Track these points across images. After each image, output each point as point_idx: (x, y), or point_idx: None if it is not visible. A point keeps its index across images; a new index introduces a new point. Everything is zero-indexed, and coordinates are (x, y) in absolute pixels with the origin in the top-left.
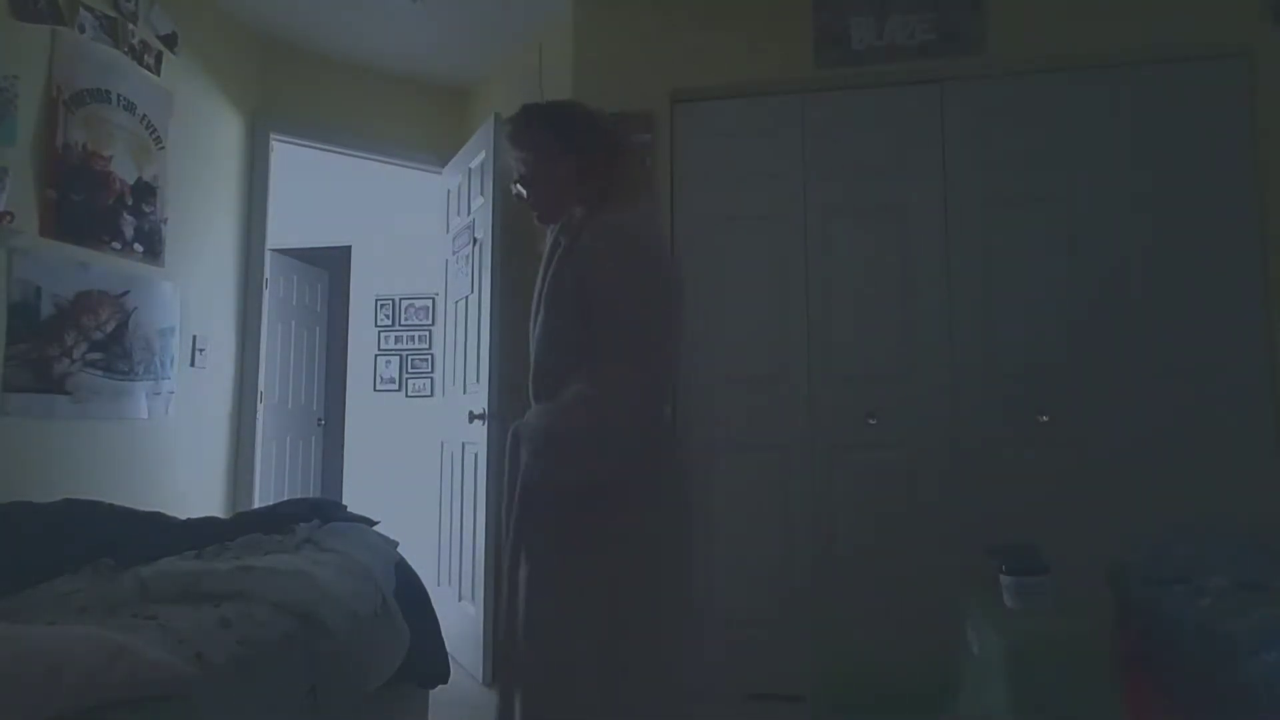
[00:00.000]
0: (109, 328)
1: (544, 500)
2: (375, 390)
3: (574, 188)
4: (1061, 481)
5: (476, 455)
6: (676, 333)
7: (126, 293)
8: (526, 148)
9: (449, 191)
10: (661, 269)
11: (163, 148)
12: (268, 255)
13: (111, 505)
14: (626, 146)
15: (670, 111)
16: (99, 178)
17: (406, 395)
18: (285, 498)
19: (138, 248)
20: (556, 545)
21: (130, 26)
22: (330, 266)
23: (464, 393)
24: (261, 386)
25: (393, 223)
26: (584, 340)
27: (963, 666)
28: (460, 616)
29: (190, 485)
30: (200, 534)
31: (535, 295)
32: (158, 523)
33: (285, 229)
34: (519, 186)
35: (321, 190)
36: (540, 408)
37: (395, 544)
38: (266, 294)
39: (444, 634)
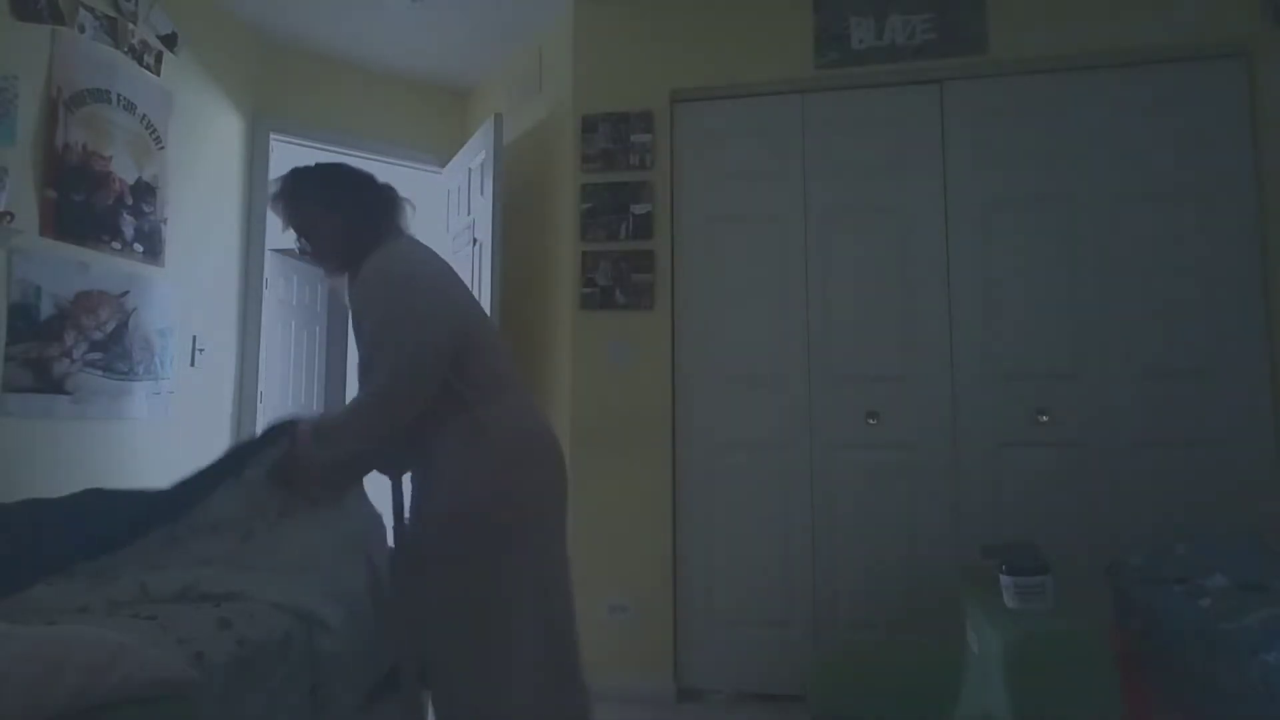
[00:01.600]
0: (109, 328)
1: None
2: None
3: (344, 241)
4: (1061, 481)
5: None
6: (441, 335)
7: (126, 293)
8: (296, 209)
9: (449, 191)
10: (416, 292)
11: (163, 148)
12: (268, 255)
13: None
14: (388, 196)
15: (670, 111)
16: (99, 178)
17: None
18: None
19: (138, 248)
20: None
21: (130, 26)
22: None
23: None
24: (261, 386)
25: None
26: (365, 364)
27: (963, 666)
28: None
29: None
30: (140, 518)
31: None
32: (92, 508)
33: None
34: (301, 241)
35: None
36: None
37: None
38: (266, 294)
39: None
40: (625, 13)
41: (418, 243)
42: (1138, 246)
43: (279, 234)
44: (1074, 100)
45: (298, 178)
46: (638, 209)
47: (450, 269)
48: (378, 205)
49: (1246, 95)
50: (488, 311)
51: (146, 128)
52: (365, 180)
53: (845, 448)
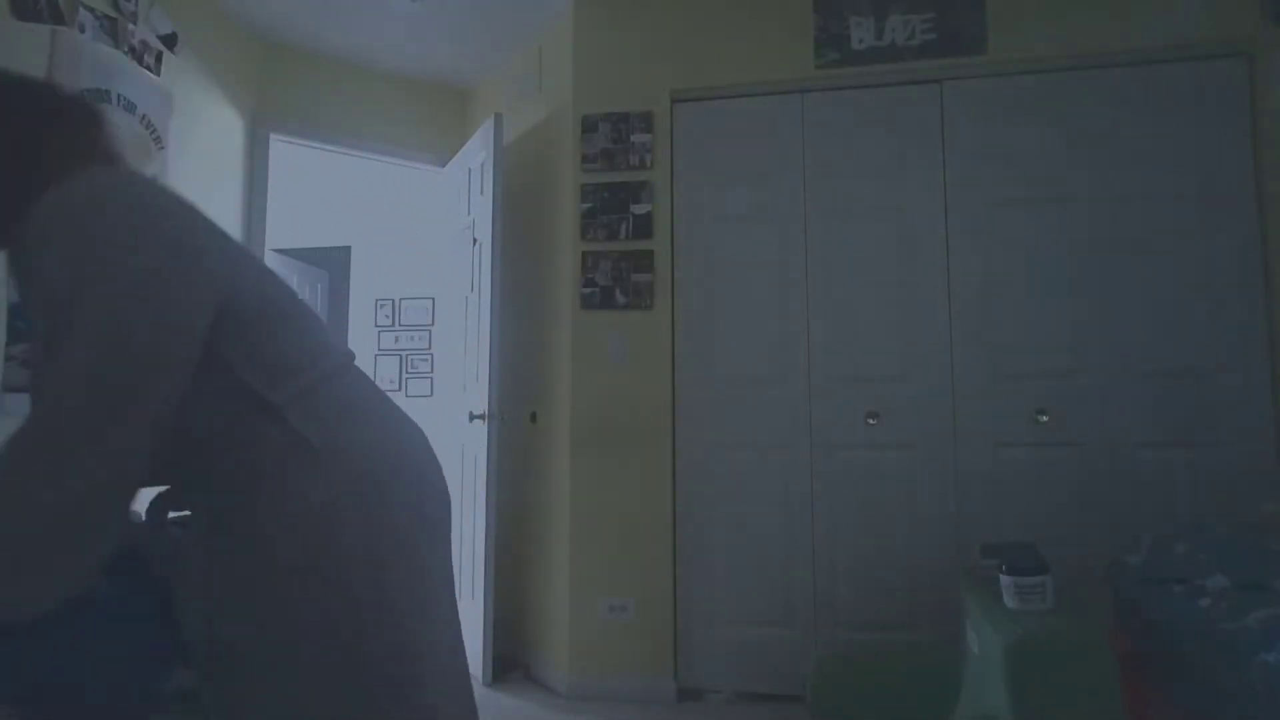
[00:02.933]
0: None
1: None
2: None
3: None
4: (1061, 481)
5: (476, 455)
6: (189, 308)
7: None
8: None
9: (449, 191)
10: (137, 232)
11: (163, 148)
12: (268, 255)
13: None
14: (76, 107)
15: (670, 111)
16: None
17: (406, 395)
18: None
19: None
20: None
21: (130, 26)
22: (330, 266)
23: (463, 392)
24: None
25: (393, 223)
26: (35, 373)
27: (963, 666)
28: (461, 617)
29: None
30: None
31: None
32: None
33: (285, 229)
34: None
35: (321, 190)
36: None
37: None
38: None
39: None
40: (625, 13)
41: (135, 173)
42: (1138, 246)
43: (279, 234)
44: (1074, 100)
45: None
46: (638, 209)
47: (196, 208)
48: (57, 118)
49: (1246, 95)
50: (484, 310)
51: (146, 128)
52: (32, 86)
53: (845, 448)
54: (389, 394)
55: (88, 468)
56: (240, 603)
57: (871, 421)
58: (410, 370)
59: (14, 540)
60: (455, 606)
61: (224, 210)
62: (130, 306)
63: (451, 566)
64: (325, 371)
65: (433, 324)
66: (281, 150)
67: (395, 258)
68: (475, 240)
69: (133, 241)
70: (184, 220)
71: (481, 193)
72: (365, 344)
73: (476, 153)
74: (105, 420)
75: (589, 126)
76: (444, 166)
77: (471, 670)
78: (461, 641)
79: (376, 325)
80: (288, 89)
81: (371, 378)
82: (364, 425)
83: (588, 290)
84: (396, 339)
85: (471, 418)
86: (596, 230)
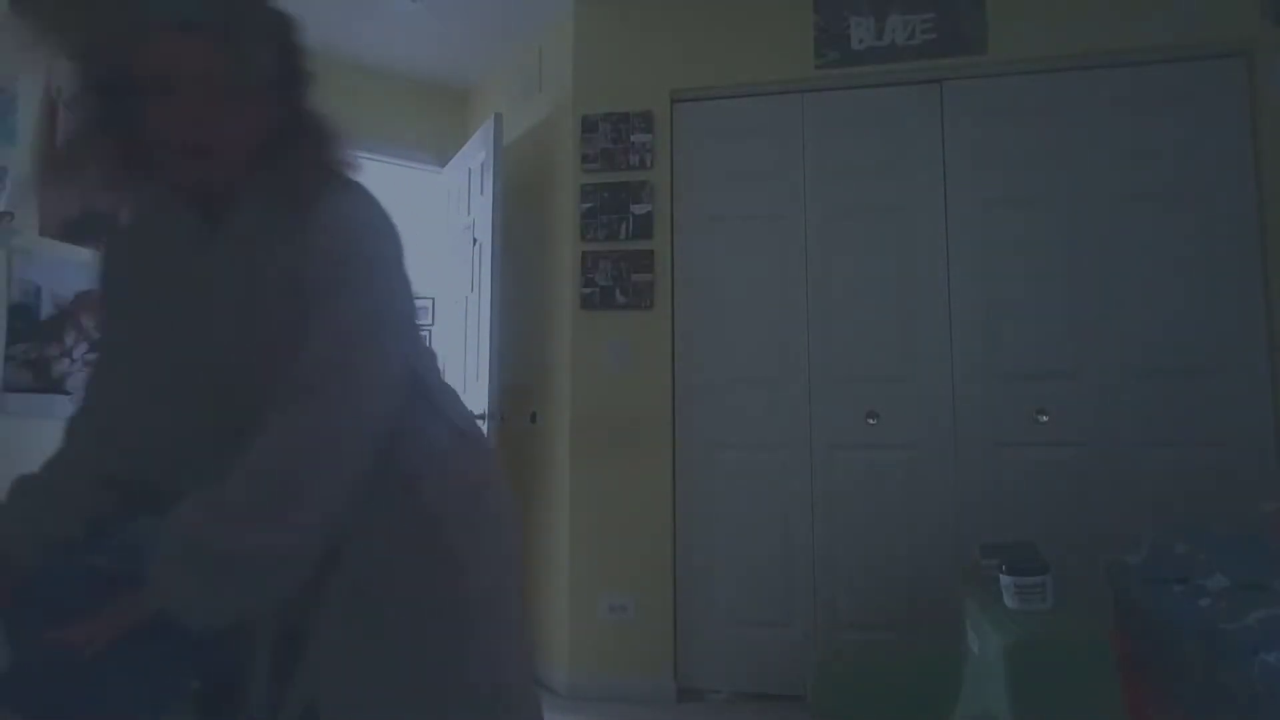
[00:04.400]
0: None
1: None
2: None
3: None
4: (1061, 481)
5: None
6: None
7: None
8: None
9: (449, 191)
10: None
11: None
12: None
13: None
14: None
15: (670, 111)
16: None
17: None
18: None
19: None
20: None
21: None
22: None
23: (463, 392)
24: None
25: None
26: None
27: (963, 666)
28: None
29: None
30: None
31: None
32: None
33: None
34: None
35: None
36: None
37: None
38: None
39: None
40: (625, 13)
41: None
42: (1138, 246)
43: None
44: (1074, 100)
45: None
46: (638, 209)
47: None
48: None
49: (1246, 95)
50: (484, 310)
51: None
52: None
53: (845, 448)
54: None
55: (366, 411)
56: (406, 560)
57: (871, 421)
58: None
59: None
60: None
61: None
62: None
63: None
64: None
65: (433, 324)
66: None
67: None
68: (475, 240)
69: (390, 268)
70: (396, 248)
71: (481, 193)
72: None
73: (476, 153)
74: (368, 392)
75: (589, 126)
76: (444, 167)
77: None
78: None
79: None
80: None
81: None
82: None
83: (588, 290)
84: None
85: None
86: (596, 230)
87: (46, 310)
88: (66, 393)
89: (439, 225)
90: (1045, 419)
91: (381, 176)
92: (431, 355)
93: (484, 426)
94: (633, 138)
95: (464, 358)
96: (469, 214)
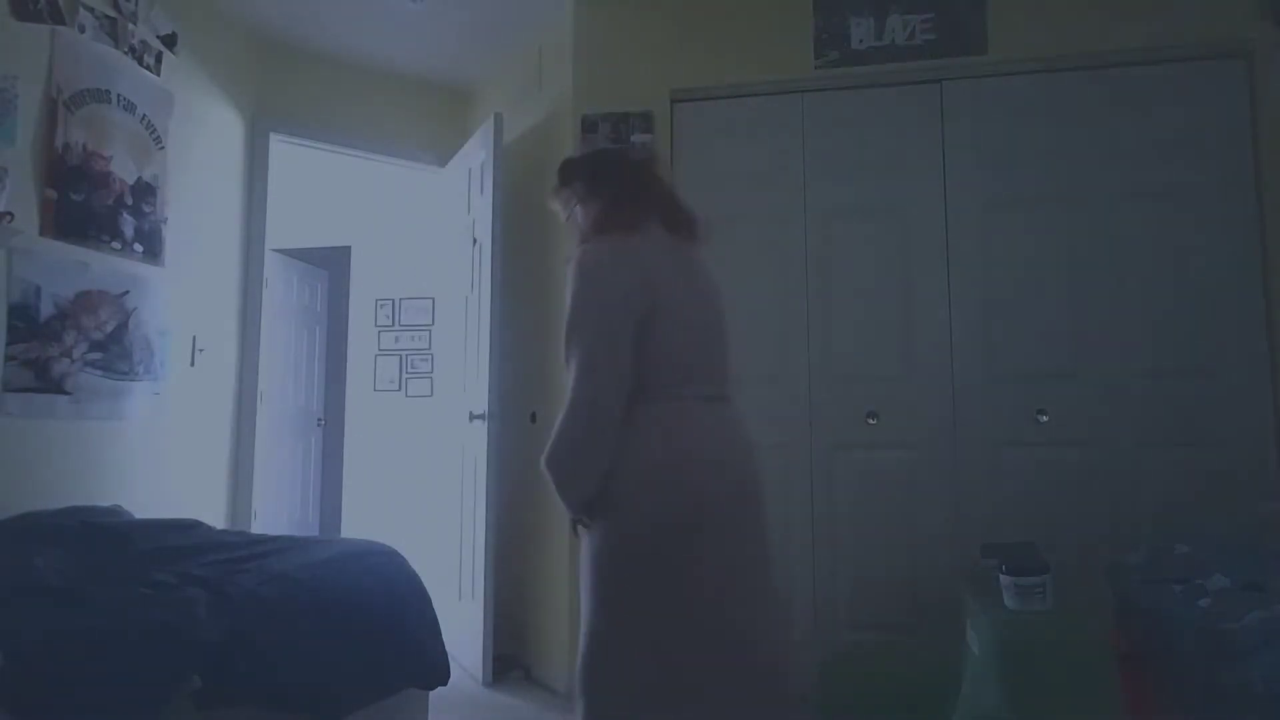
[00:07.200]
0: (109, 328)
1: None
2: (375, 390)
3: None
4: (1061, 481)
5: (475, 455)
6: (624, 347)
7: (126, 293)
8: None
9: (449, 191)
10: (607, 289)
11: (163, 148)
12: (267, 255)
13: None
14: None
15: (670, 111)
16: (99, 178)
17: (406, 395)
18: (285, 498)
19: (137, 248)
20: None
21: (130, 26)
22: (330, 266)
23: (463, 392)
24: (261, 386)
25: (393, 223)
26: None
27: (963, 666)
28: (460, 617)
29: (190, 486)
30: None
31: None
32: None
33: (285, 229)
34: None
35: (321, 190)
36: None
37: None
38: (266, 294)
39: (444, 634)
40: (625, 13)
41: (617, 244)
42: (1138, 246)
43: (279, 234)
44: (1074, 100)
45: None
46: None
47: (634, 266)
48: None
49: (1246, 95)
50: (484, 310)
51: (146, 128)
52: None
53: (845, 448)
54: (389, 394)
55: (603, 402)
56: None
57: (871, 421)
58: (410, 370)
59: (582, 447)
60: (760, 577)
61: (224, 210)
62: (598, 333)
63: (751, 546)
64: (688, 392)
65: (433, 324)
66: (281, 150)
67: (395, 258)
68: (475, 240)
69: (595, 299)
70: (623, 279)
71: (481, 193)
72: (365, 344)
73: (476, 153)
74: (604, 379)
75: (589, 126)
76: (444, 166)
77: (471, 670)
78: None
79: (376, 325)
80: (288, 89)
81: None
82: (692, 427)
83: None
84: (396, 339)
85: (471, 418)
86: None
87: (46, 310)
88: (66, 393)
89: (439, 225)
90: (1045, 419)
91: (382, 176)
92: (671, 369)
93: (484, 426)
94: (633, 138)
95: (464, 358)
96: (469, 214)
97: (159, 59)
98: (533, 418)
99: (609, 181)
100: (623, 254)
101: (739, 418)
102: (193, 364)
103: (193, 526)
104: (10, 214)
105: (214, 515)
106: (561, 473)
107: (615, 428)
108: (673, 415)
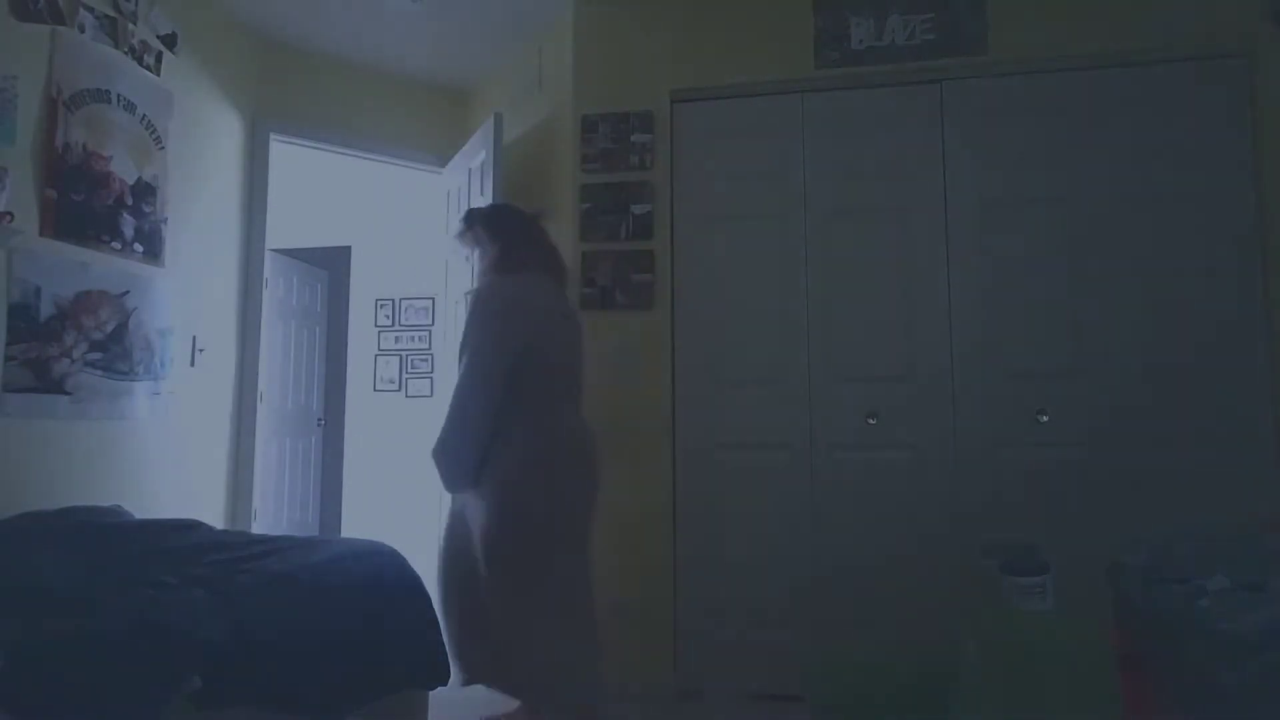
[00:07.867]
0: (109, 328)
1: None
2: (375, 390)
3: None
4: (1061, 481)
5: None
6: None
7: (126, 293)
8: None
9: (449, 191)
10: (495, 320)
11: (163, 148)
12: (267, 255)
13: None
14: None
15: (670, 111)
16: (99, 178)
17: (406, 395)
18: (285, 498)
19: (137, 248)
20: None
21: (130, 26)
22: (330, 266)
23: None
24: (261, 386)
25: (393, 223)
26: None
27: (963, 666)
28: None
29: (190, 485)
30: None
31: None
32: None
33: (285, 229)
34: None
35: (321, 190)
36: None
37: None
38: (266, 294)
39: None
40: (625, 13)
41: (512, 281)
42: (1138, 246)
43: (279, 234)
44: (1074, 100)
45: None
46: (638, 209)
47: (526, 303)
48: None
49: (1246, 95)
50: None
51: (146, 128)
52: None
53: (845, 448)
54: (389, 394)
55: (474, 411)
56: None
57: (871, 421)
58: (410, 370)
59: (457, 447)
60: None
61: (224, 210)
62: (482, 355)
63: (582, 503)
64: (553, 403)
65: (433, 324)
66: (281, 150)
67: (395, 258)
68: None
69: (486, 326)
70: (511, 313)
71: (481, 193)
72: (365, 344)
73: (476, 153)
74: (478, 393)
75: (589, 126)
76: (444, 166)
77: None
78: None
79: (376, 325)
80: (288, 89)
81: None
82: (555, 423)
83: (588, 290)
84: (396, 339)
85: None
86: (596, 230)
87: (46, 310)
88: (66, 393)
89: (439, 225)
90: (1045, 419)
91: (382, 176)
92: (546, 388)
93: None
94: (633, 138)
95: None
96: None
97: (159, 59)
98: None
99: (504, 231)
100: (512, 293)
101: (584, 418)
102: (193, 364)
103: (193, 527)
104: (10, 214)
105: (214, 515)
106: (441, 467)
107: (485, 430)
108: (544, 412)
